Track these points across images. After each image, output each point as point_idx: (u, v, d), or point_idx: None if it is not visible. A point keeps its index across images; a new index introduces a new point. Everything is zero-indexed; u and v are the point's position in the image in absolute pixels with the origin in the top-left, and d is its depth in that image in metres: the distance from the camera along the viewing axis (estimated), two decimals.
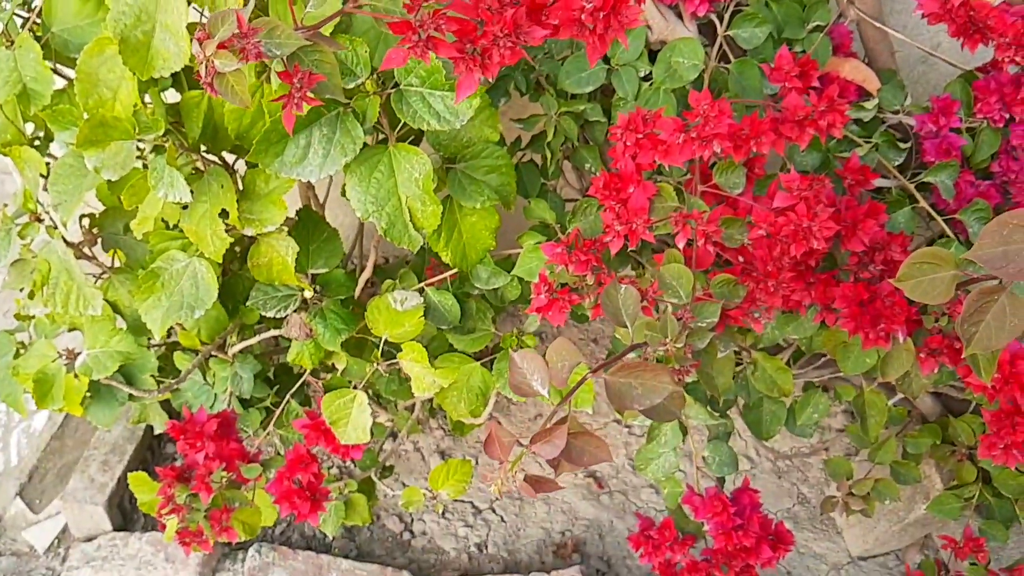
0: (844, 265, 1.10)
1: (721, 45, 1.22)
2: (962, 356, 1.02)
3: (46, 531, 1.76)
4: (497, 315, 1.30)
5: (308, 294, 1.17)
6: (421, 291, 1.20)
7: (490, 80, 0.63)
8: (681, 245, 0.92)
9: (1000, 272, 0.65)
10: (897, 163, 1.25)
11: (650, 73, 1.20)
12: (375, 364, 1.18)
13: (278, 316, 1.19)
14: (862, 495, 1.36)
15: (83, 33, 1.09)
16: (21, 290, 1.25)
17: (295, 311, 1.19)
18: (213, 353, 1.43)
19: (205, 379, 1.48)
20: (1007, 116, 1.23)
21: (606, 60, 1.21)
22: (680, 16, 1.21)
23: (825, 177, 0.95)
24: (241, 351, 1.38)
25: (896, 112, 1.28)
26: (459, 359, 1.27)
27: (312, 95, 0.67)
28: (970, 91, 1.25)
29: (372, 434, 1.54)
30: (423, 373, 1.15)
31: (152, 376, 1.46)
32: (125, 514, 1.73)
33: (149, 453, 1.81)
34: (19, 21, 1.13)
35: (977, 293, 0.76)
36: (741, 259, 1.02)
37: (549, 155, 1.24)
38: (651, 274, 0.96)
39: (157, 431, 1.66)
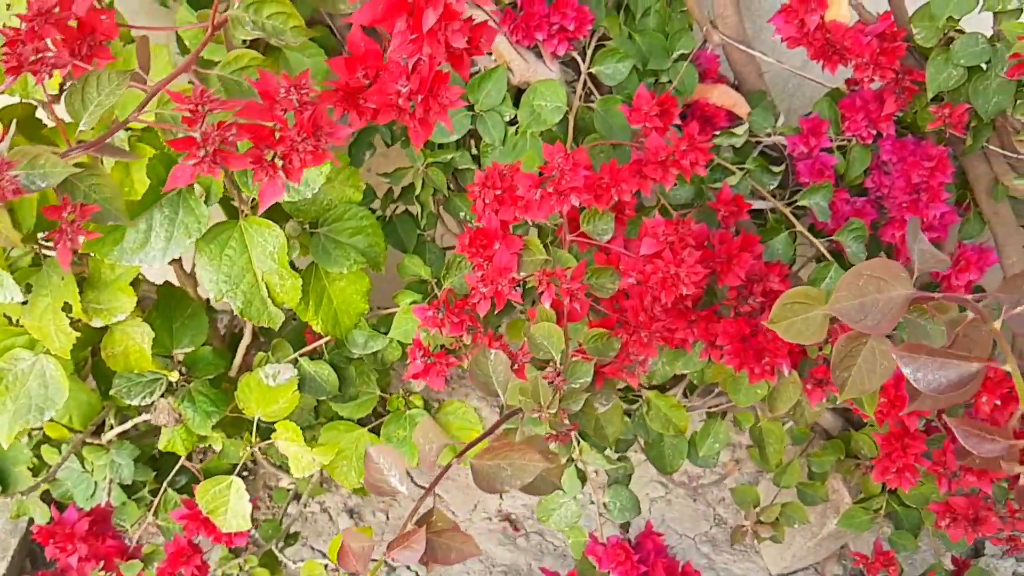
0: (724, 300, 1.08)
1: (586, 83, 1.19)
2: None
3: None
4: (382, 376, 1.25)
5: (174, 377, 1.11)
6: (296, 361, 1.14)
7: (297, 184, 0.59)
8: (547, 304, 0.88)
9: (859, 325, 0.63)
10: (772, 186, 1.24)
11: (516, 116, 1.16)
12: (249, 447, 1.11)
13: (143, 404, 1.12)
14: (770, 522, 1.34)
15: None
16: None
17: (162, 396, 1.12)
18: (88, 440, 1.34)
19: (84, 466, 1.39)
20: (874, 132, 1.23)
21: (470, 107, 1.18)
22: (541, 56, 1.18)
23: (689, 219, 0.93)
24: (119, 436, 1.30)
25: (767, 135, 1.27)
26: (345, 426, 1.22)
27: (89, 227, 0.61)
28: (837, 109, 1.25)
29: (272, 498, 1.47)
30: (300, 452, 1.09)
31: (29, 467, 1.38)
32: None
33: (36, 545, 1.70)
34: None
35: (845, 339, 0.74)
36: (618, 305, 0.99)
37: (419, 208, 1.19)
38: (524, 331, 0.92)
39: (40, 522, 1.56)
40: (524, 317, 1.23)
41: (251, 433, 1.11)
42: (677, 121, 1.03)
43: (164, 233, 0.92)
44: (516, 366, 0.87)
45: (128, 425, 1.20)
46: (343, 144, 0.58)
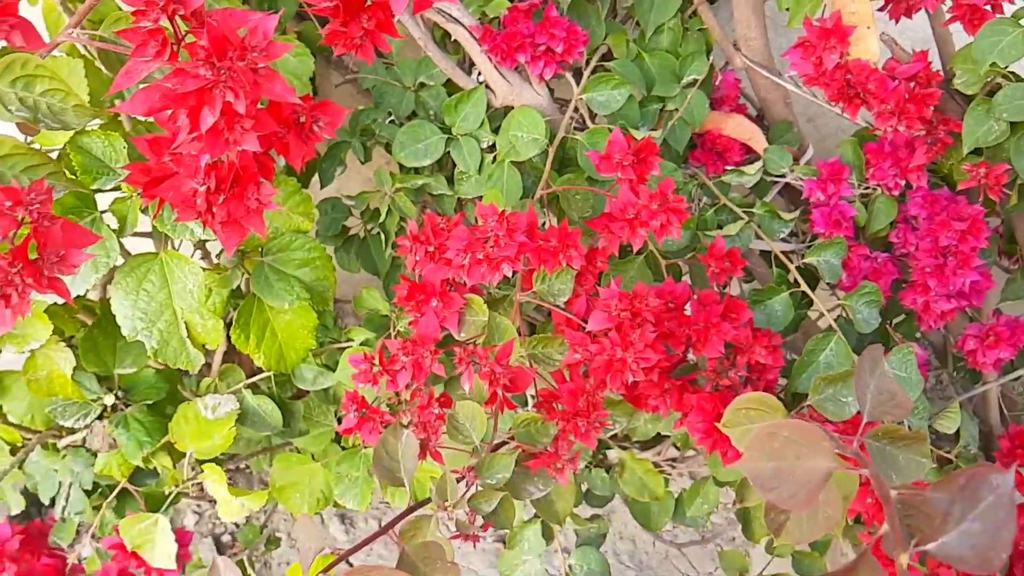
0: (703, 369, 0.97)
1: (578, 109, 1.08)
2: None
3: None
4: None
5: (109, 401, 1.04)
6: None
7: None
8: (466, 388, 0.78)
9: (773, 495, 0.51)
10: (783, 234, 1.11)
11: (495, 143, 1.06)
12: (176, 485, 1.05)
13: (77, 426, 1.06)
14: None
15: None
16: None
17: (98, 418, 1.06)
18: (49, 440, 1.30)
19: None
20: (902, 183, 1.08)
21: (447, 129, 1.08)
22: (529, 77, 1.06)
23: (650, 292, 0.81)
24: (73, 445, 1.25)
25: (782, 176, 1.13)
26: (298, 459, 1.14)
27: None
28: (862, 154, 1.10)
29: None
30: (228, 498, 1.02)
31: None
32: None
33: None
34: None
35: None
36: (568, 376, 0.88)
37: (383, 237, 1.10)
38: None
39: (14, 511, 1.53)
40: None
41: (172, 475, 1.04)
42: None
43: None
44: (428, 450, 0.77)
45: (71, 440, 1.15)
46: (72, 272, 0.48)
